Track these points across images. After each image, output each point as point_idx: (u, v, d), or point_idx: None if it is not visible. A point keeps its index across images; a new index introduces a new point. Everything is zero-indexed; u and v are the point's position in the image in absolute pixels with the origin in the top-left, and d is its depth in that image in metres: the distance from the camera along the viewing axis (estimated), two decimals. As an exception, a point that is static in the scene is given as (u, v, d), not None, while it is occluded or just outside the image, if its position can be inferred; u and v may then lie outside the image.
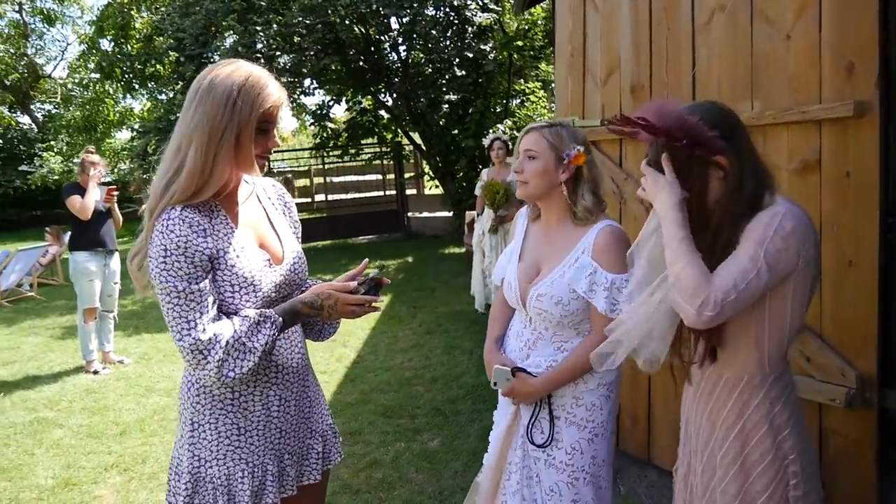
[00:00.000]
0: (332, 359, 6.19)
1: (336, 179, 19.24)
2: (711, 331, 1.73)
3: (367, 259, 1.99)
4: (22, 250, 9.59)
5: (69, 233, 5.99)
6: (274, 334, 1.78)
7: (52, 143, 18.07)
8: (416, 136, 14.26)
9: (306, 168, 19.52)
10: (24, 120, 21.37)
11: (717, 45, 2.93)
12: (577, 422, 2.23)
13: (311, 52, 11.47)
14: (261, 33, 11.07)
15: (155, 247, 1.68)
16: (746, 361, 1.73)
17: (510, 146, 7.09)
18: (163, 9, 14.14)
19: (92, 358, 6.13)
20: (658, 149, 1.74)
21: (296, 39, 11.62)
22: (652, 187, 1.73)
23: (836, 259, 2.54)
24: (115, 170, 18.74)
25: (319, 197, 18.68)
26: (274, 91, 1.79)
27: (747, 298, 1.60)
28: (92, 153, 6.13)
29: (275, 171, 17.61)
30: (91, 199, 5.84)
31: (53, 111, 20.75)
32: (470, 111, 12.70)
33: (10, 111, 20.30)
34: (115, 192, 6.13)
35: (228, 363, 1.71)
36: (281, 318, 1.80)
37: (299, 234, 2.10)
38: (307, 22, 11.05)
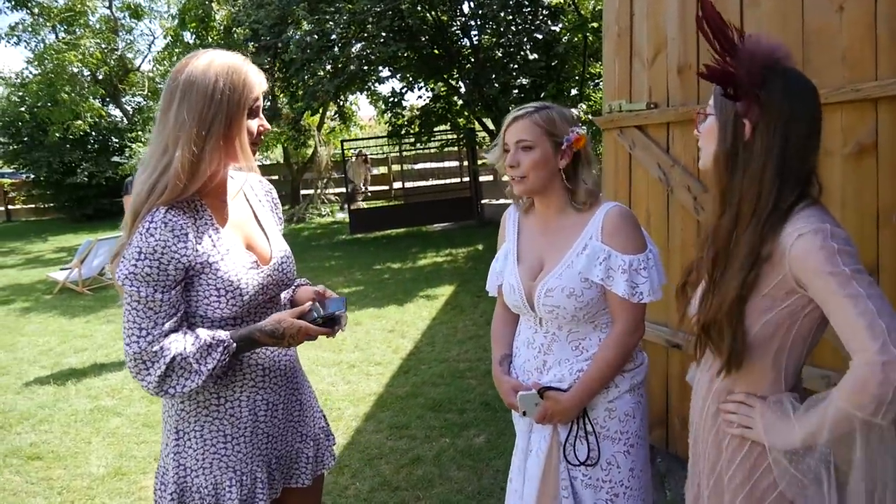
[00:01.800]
0: (388, 350, 6.15)
1: (415, 167, 19.26)
2: (735, 335, 1.49)
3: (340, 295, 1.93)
4: (102, 239, 9.88)
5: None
6: (224, 359, 1.69)
7: (140, 132, 18.70)
8: (488, 122, 14.06)
9: (384, 156, 19.59)
10: (115, 112, 22.17)
11: (767, 19, 2.69)
12: (612, 435, 2.07)
13: (381, 40, 11.45)
14: (330, 22, 11.08)
15: (131, 247, 1.63)
16: (761, 379, 1.53)
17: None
18: (240, 1, 14.38)
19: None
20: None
21: (368, 27, 11.63)
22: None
23: (895, 252, 2.30)
24: None
25: (396, 185, 18.76)
26: (256, 77, 1.74)
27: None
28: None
29: (353, 154, 17.79)
30: None
31: (142, 103, 21.47)
32: (542, 96, 12.40)
33: (101, 104, 21.06)
34: None
35: (171, 380, 1.64)
36: (235, 344, 1.71)
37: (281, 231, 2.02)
38: (377, 9, 11.02)
